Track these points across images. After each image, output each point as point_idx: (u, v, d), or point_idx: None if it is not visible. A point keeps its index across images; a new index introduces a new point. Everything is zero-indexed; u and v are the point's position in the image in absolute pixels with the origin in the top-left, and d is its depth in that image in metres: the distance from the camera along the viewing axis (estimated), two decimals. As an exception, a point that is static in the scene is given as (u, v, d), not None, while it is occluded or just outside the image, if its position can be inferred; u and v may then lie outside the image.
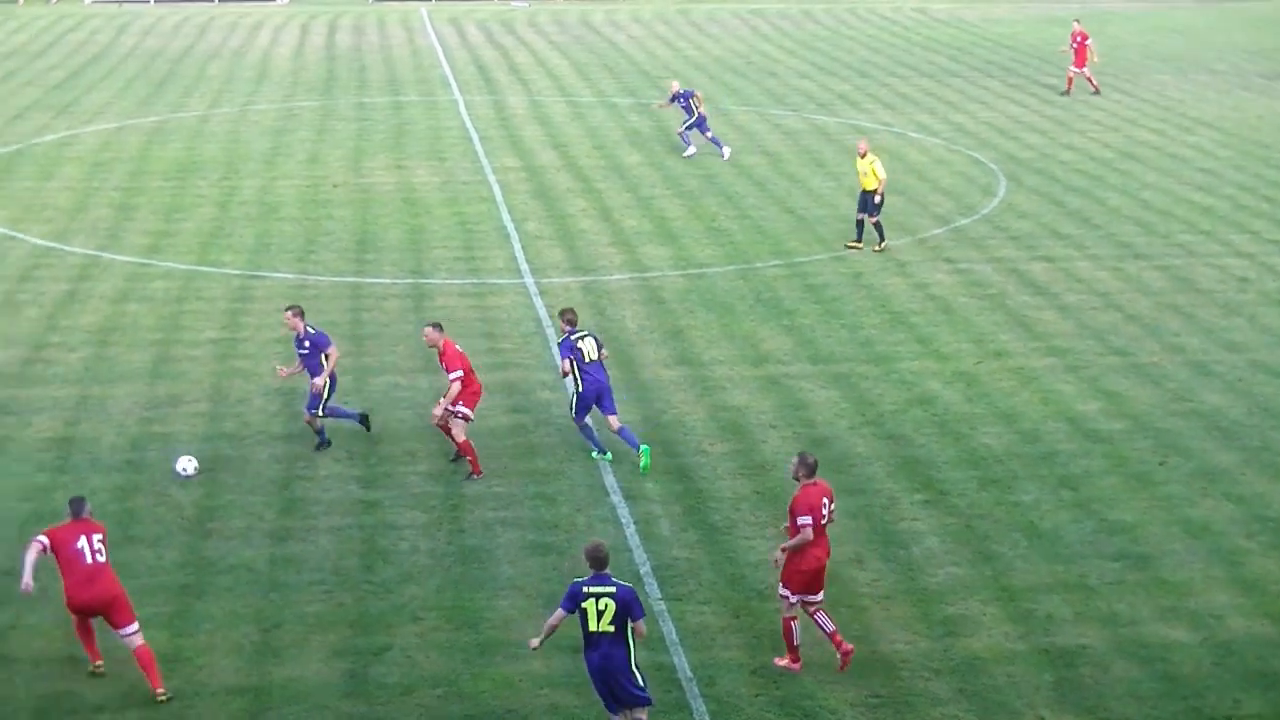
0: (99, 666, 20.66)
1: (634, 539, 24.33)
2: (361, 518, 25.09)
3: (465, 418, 26.46)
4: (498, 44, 71.94)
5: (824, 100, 58.94)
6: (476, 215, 42.67)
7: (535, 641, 18.88)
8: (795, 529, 20.49)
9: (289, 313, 27.29)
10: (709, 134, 49.46)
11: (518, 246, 39.73)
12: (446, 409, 26.36)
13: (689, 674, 20.85)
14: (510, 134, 52.54)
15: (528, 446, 27.77)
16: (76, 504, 20.79)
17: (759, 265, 38.31)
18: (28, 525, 24.45)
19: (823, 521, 20.52)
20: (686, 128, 49.56)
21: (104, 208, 43.01)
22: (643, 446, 26.84)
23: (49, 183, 45.50)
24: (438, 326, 26.79)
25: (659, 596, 22.67)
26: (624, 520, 25.02)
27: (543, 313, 34.52)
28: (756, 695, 20.49)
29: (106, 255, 38.49)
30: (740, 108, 57.26)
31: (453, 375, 26.17)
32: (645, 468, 26.68)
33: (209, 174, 46.87)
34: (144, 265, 37.81)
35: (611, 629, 18.26)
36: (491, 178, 46.72)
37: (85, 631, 20.66)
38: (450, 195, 44.75)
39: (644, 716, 18.74)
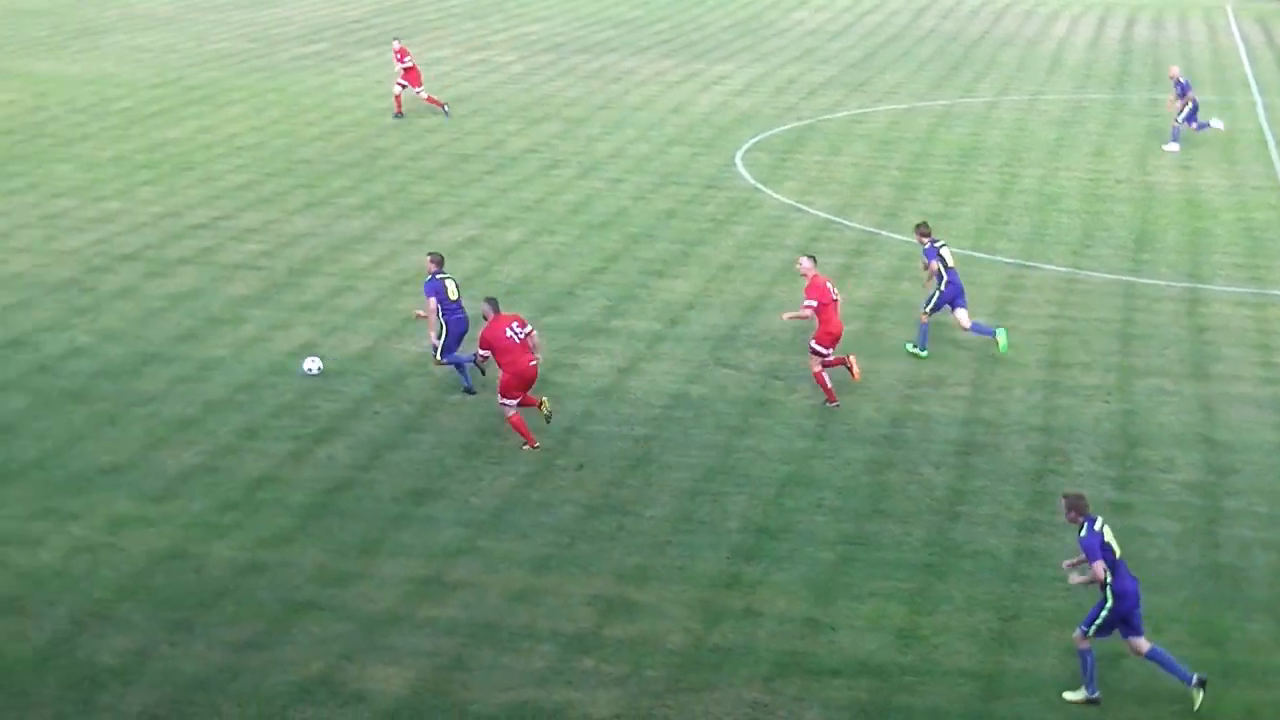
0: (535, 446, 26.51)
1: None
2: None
3: (815, 352, 28.47)
4: (1304, 46, 68.87)
5: None
6: (1264, 223, 40.95)
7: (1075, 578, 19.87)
8: None
9: (428, 257, 29.68)
10: (1196, 124, 47.87)
11: (1305, 258, 37.94)
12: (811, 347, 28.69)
13: None
14: (1308, 140, 50.22)
15: (1295, 467, 26.49)
16: (493, 301, 26.92)
17: None
18: (786, 486, 25.33)
19: None
20: (1183, 120, 48.06)
21: (885, 186, 43.88)
22: (998, 329, 30.52)
23: (836, 158, 46.82)
24: (812, 259, 28.95)
25: None
26: (1394, 557, 23.45)
27: (1325, 329, 32.80)
28: None
29: (883, 233, 39.23)
30: None
31: (806, 303, 28.16)
32: (1004, 348, 30.30)
33: (991, 160, 47.03)
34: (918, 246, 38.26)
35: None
36: (1283, 184, 44.82)
37: (519, 422, 26.45)
38: (1238, 200, 43.13)
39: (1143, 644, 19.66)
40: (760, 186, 43.52)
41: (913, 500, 25.10)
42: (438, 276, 28.96)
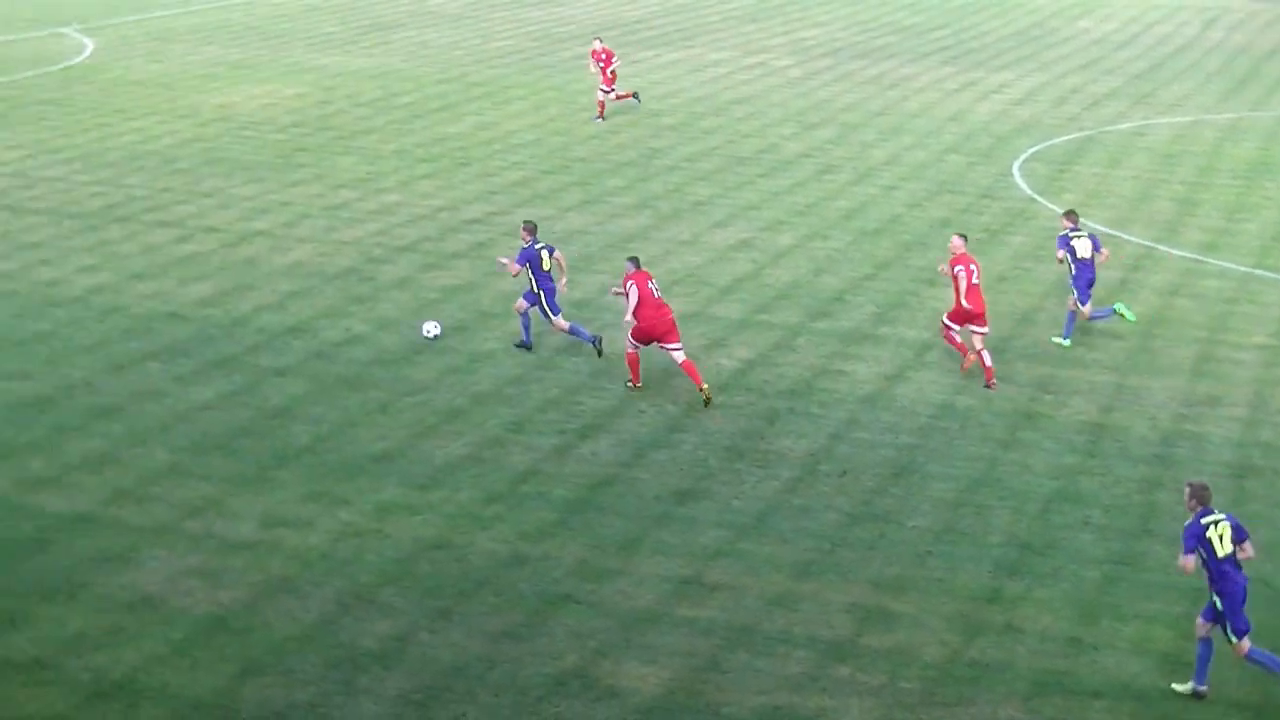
0: (638, 386, 28.92)
1: None
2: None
3: (945, 325, 29.86)
4: None
5: None
6: None
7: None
8: None
9: (522, 228, 30.84)
10: None
11: None
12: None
13: None
14: None
15: None
16: (634, 260, 28.77)
17: None
18: (1053, 503, 24.89)
19: None
20: None
21: (1166, 200, 42.88)
22: (1116, 304, 31.71)
23: (1116, 170, 45.88)
24: (963, 238, 30.04)
25: None
26: None
27: None
28: None
29: (1162, 247, 38.33)
30: None
31: (954, 270, 29.39)
32: (1131, 318, 31.54)
33: (1279, 176, 45.68)
34: (1198, 262, 37.36)
35: (1232, 549, 19.35)
36: None
37: (635, 360, 28.76)
38: None
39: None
40: (1036, 197, 42.84)
41: (1183, 522, 24.35)
42: (535, 246, 30.29)
